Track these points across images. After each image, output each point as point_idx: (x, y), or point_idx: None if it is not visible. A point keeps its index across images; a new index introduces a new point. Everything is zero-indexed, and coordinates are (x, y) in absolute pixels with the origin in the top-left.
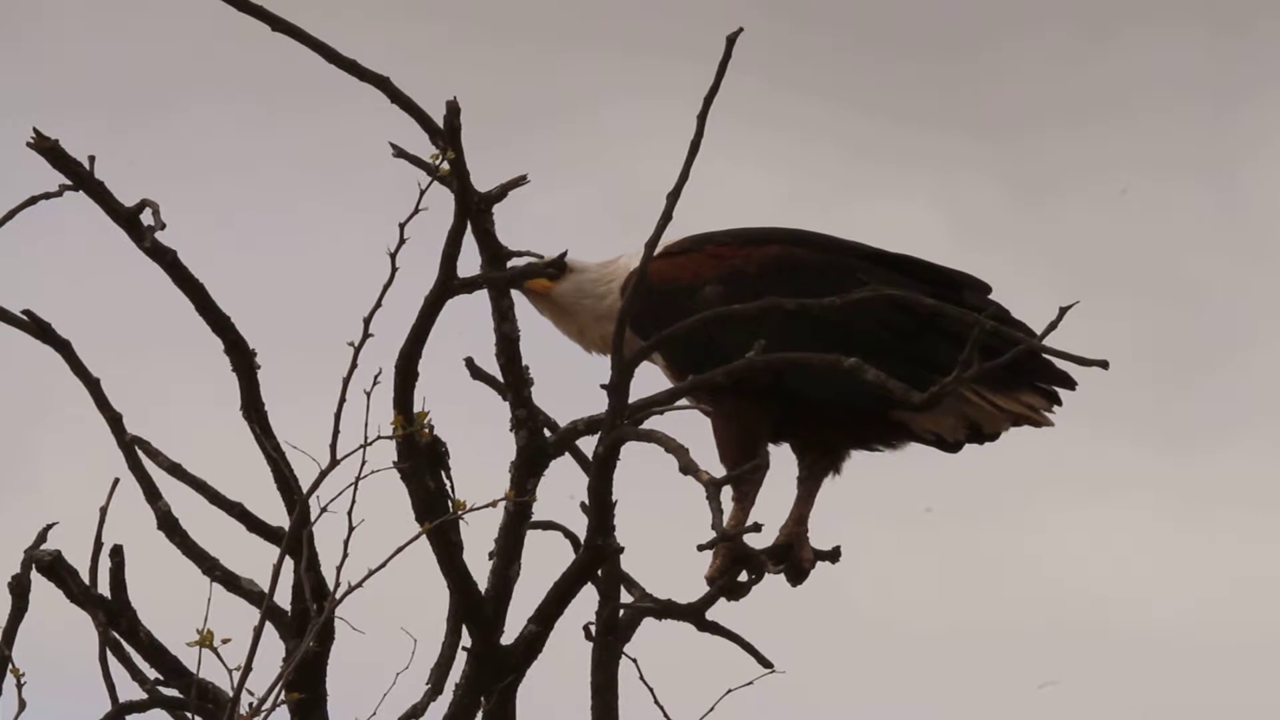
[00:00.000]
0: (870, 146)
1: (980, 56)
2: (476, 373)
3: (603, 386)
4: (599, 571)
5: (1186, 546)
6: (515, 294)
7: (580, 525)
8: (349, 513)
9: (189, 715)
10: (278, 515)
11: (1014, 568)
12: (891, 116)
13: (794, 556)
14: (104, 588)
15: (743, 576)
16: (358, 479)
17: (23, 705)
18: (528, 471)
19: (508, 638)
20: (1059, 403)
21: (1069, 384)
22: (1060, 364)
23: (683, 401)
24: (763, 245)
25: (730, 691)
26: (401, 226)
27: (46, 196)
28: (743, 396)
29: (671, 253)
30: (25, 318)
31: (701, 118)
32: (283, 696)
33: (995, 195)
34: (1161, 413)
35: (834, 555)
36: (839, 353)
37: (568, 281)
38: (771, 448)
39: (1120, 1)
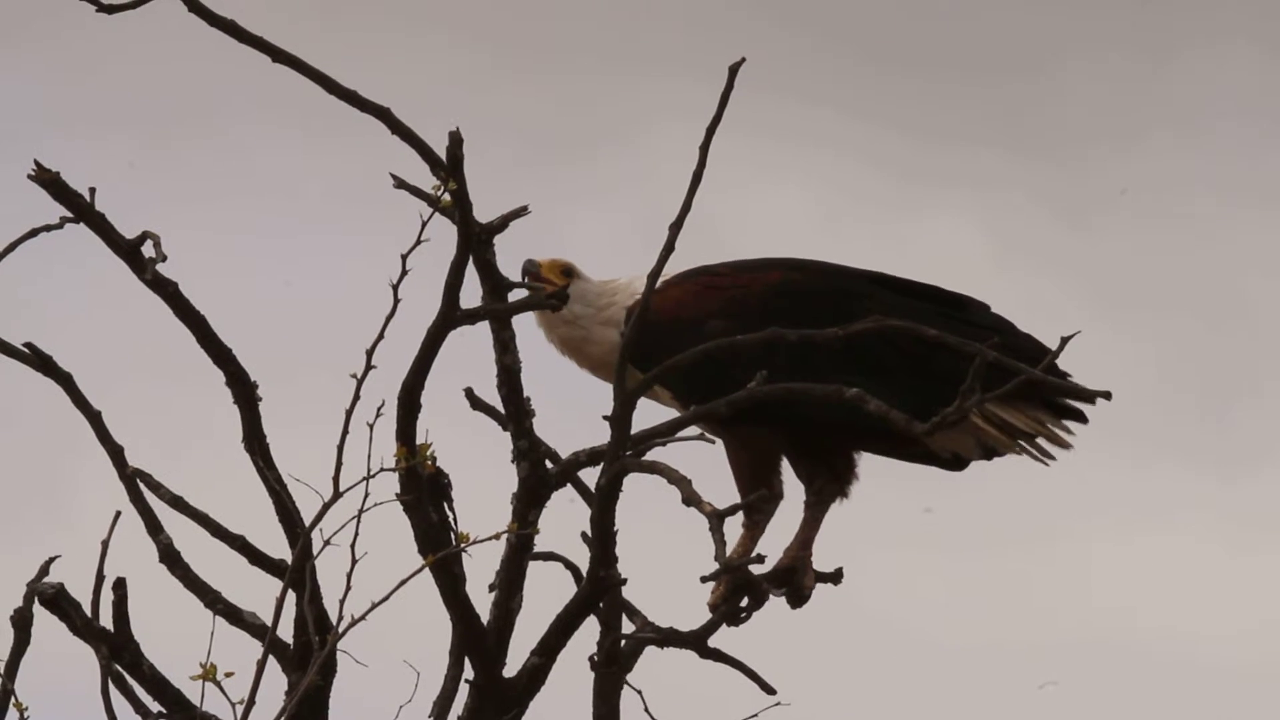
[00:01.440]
0: (915, 168)
1: (1040, 79)
2: (476, 403)
3: (605, 418)
4: (601, 603)
5: (1234, 571)
6: (520, 318)
7: (582, 556)
8: (352, 545)
9: None
10: (280, 548)
11: (1050, 593)
12: (938, 138)
13: (796, 581)
14: (107, 621)
15: (744, 602)
16: (361, 511)
17: None
18: (529, 503)
19: (510, 670)
20: (1083, 419)
21: (1080, 410)
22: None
23: (686, 432)
24: (763, 273)
25: None
26: (404, 258)
27: (47, 228)
28: (753, 423)
29: (672, 284)
30: (27, 350)
31: (704, 148)
32: None
33: (1041, 217)
34: (1208, 435)
35: (836, 578)
36: (844, 374)
37: (571, 288)
38: (787, 477)
39: (1182, 23)
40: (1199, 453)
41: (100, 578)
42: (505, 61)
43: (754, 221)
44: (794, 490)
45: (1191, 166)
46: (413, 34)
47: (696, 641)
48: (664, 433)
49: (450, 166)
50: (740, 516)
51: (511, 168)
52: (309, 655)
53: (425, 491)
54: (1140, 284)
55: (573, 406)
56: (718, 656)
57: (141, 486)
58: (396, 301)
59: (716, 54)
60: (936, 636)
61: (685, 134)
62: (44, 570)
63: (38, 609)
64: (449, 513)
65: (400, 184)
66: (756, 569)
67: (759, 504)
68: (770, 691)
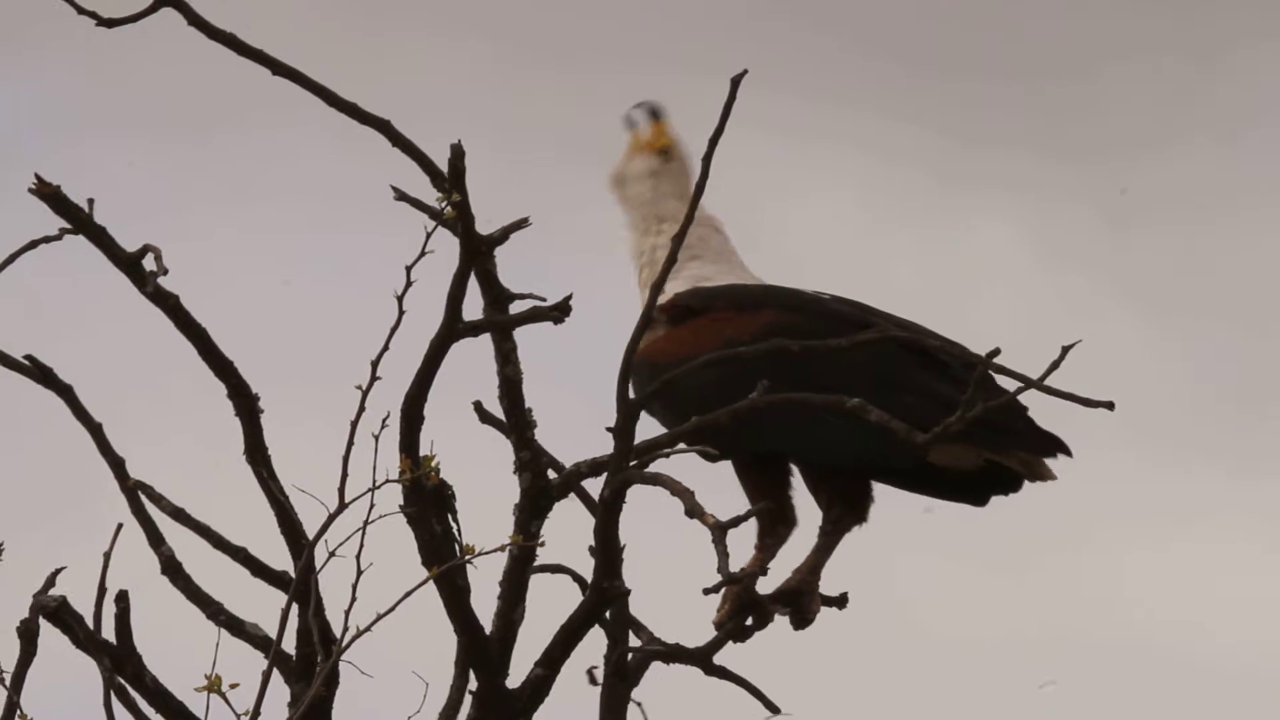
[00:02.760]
0: (957, 172)
1: (1083, 83)
2: (485, 417)
3: (608, 429)
4: (606, 614)
5: (1272, 574)
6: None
7: (587, 567)
8: (356, 557)
9: None
10: (283, 560)
11: (1083, 598)
12: (981, 142)
13: (800, 604)
14: (109, 633)
15: (749, 622)
16: (365, 523)
17: None
18: (532, 514)
19: (514, 681)
20: (1067, 453)
21: (1058, 450)
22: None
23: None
24: (757, 313)
25: None
26: (408, 269)
27: (47, 240)
28: (755, 460)
29: (675, 314)
30: (27, 362)
31: (706, 159)
32: None
33: (1083, 220)
34: (1246, 439)
35: (841, 602)
36: (847, 390)
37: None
38: (801, 506)
39: (1227, 27)
40: (1237, 456)
41: (102, 590)
42: (535, 62)
43: (797, 225)
44: (808, 518)
45: (1234, 170)
46: (442, 35)
47: (702, 658)
48: (667, 444)
49: (452, 179)
50: (747, 532)
51: (541, 170)
52: (313, 667)
53: (429, 503)
54: (1180, 288)
55: (575, 418)
56: (723, 674)
57: (143, 498)
58: (401, 313)
59: (756, 58)
60: (961, 647)
61: (735, 140)
62: (50, 582)
63: (41, 621)
64: (453, 524)
65: (401, 196)
66: (763, 589)
67: (771, 528)
68: (775, 710)
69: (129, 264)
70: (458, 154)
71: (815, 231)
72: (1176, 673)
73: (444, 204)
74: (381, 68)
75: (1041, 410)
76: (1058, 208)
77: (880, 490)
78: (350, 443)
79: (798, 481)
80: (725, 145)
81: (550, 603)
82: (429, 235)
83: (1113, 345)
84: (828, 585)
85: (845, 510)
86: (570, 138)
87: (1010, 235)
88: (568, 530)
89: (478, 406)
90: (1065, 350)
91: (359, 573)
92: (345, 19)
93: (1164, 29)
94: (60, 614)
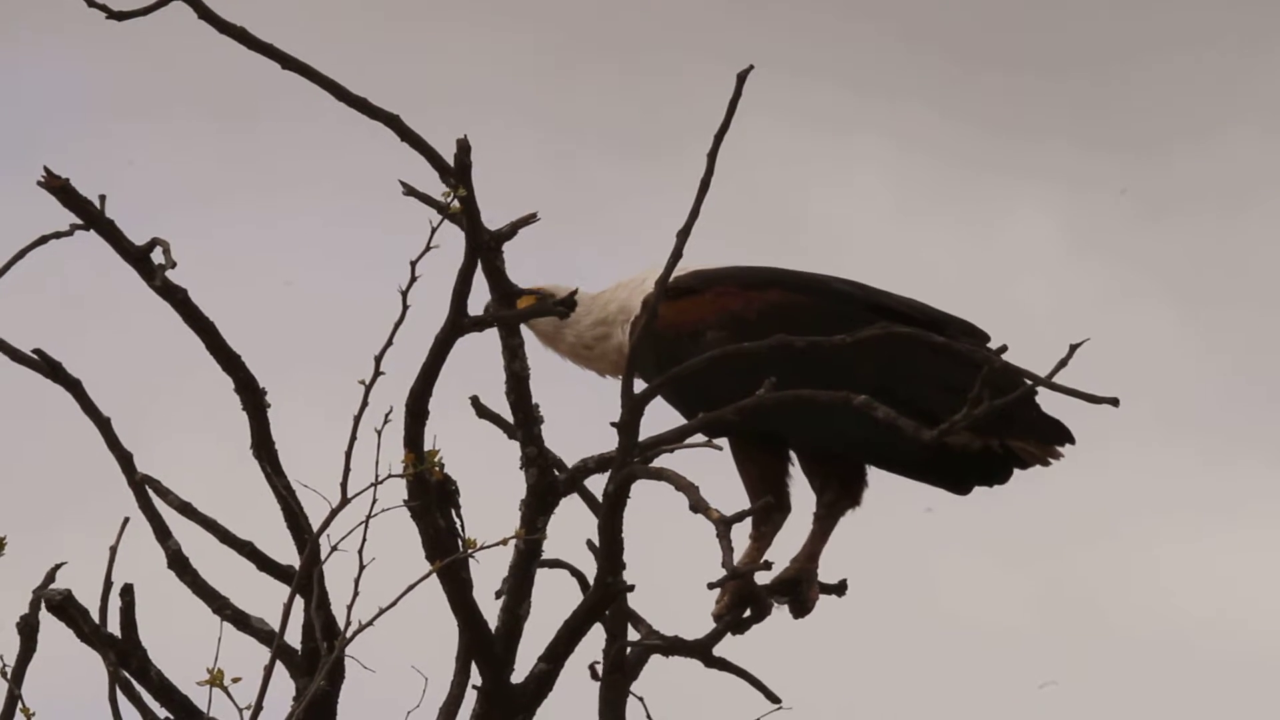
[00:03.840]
0: (994, 161)
1: (1121, 73)
2: (482, 411)
3: (613, 424)
4: (607, 610)
5: None
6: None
7: (588, 562)
8: (360, 551)
9: None
10: (288, 554)
11: (1119, 590)
12: (1018, 132)
13: (799, 592)
14: (114, 627)
15: (747, 614)
16: (368, 517)
17: None
18: (538, 510)
19: (518, 676)
20: (1070, 441)
21: (1065, 439)
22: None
23: (693, 439)
24: (764, 291)
25: None
26: (413, 264)
27: (57, 235)
28: (759, 441)
29: (677, 291)
30: (36, 357)
31: (712, 155)
32: None
33: (1121, 210)
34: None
35: (840, 589)
36: (851, 385)
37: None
38: (795, 491)
39: (1268, 18)
40: (1273, 445)
41: (108, 584)
42: (591, 58)
43: (836, 213)
44: (802, 503)
45: (1273, 160)
46: (494, 29)
47: (702, 650)
48: (672, 439)
49: (459, 174)
50: (749, 525)
51: (598, 165)
52: (316, 661)
53: (433, 498)
54: (1217, 277)
55: (581, 413)
56: (723, 665)
57: (150, 492)
58: (406, 308)
59: (801, 49)
60: (984, 637)
61: (774, 130)
62: (51, 576)
63: (45, 615)
64: (456, 519)
65: (409, 191)
66: (762, 579)
67: (766, 515)
68: (775, 700)
69: (137, 258)
70: (464, 149)
71: (853, 219)
72: (1207, 663)
73: (451, 199)
74: (426, 60)
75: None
76: (1094, 197)
77: (888, 483)
78: (354, 437)
79: (795, 468)
80: (768, 135)
81: (551, 598)
82: (434, 230)
83: (1148, 335)
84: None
85: (839, 494)
86: (614, 129)
87: (1046, 224)
88: (566, 526)
89: (475, 401)
90: (1073, 349)
91: (362, 567)
92: (390, 10)
93: (1205, 20)
94: (65, 608)
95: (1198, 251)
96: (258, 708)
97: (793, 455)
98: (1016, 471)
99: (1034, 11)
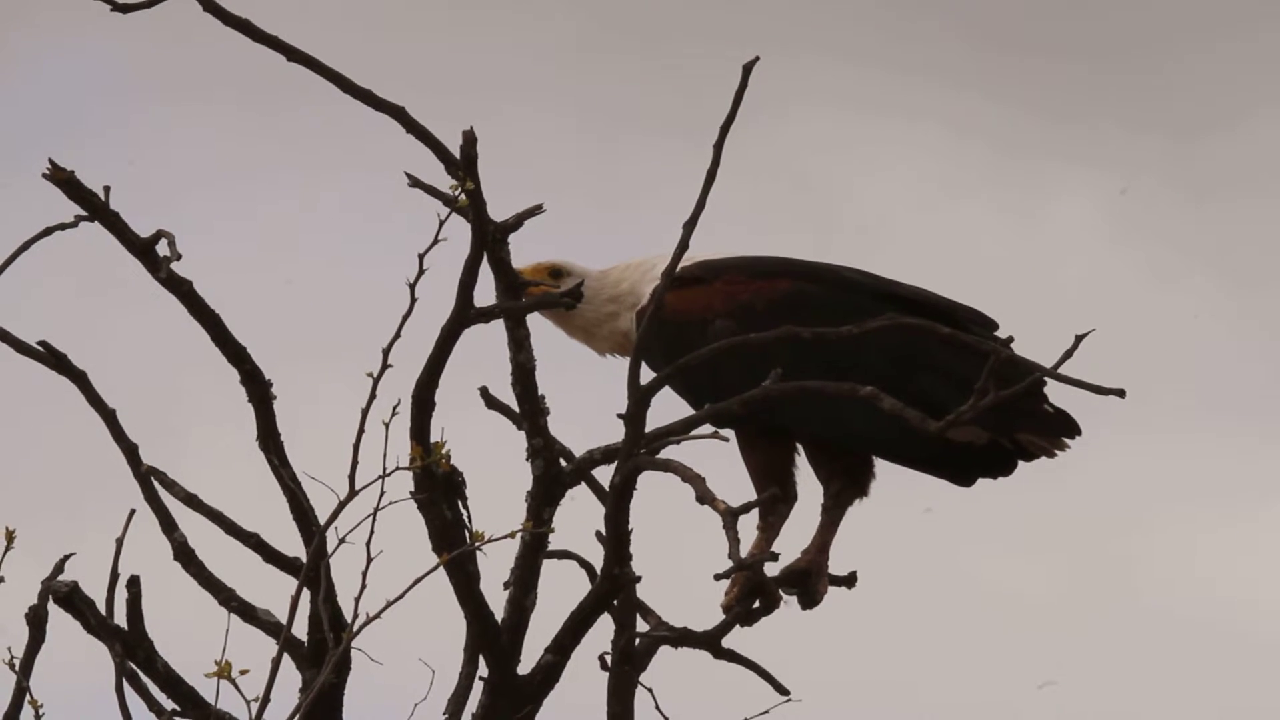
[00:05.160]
0: (1039, 145)
1: (1180, 58)
2: (491, 402)
3: (619, 416)
4: (615, 601)
5: None
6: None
7: (596, 554)
8: (367, 543)
9: None
10: (295, 546)
11: (1159, 576)
12: (1063, 117)
13: (809, 584)
14: (121, 619)
15: (756, 605)
16: (376, 509)
17: None
18: (544, 501)
19: (525, 667)
20: (1076, 433)
21: (1071, 431)
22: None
23: (700, 430)
24: (773, 280)
25: None
26: (420, 257)
27: (62, 227)
28: (764, 432)
29: (684, 280)
30: (41, 349)
31: (718, 147)
32: None
33: (1165, 193)
34: None
35: (850, 581)
36: (858, 376)
37: (566, 283)
38: (801, 479)
39: None
40: None
41: (115, 576)
42: (642, 43)
43: (882, 197)
44: (809, 493)
45: None
46: (527, 13)
47: (710, 642)
48: (678, 431)
49: (465, 166)
50: (755, 516)
51: (651, 150)
52: (324, 653)
53: (440, 490)
54: (1263, 261)
55: (587, 404)
56: (732, 657)
57: (156, 484)
58: (413, 301)
59: (849, 35)
60: (1012, 629)
61: (822, 115)
62: (58, 568)
63: (52, 607)
64: (463, 511)
65: (415, 183)
66: (770, 571)
67: (772, 506)
68: (784, 692)
69: (142, 250)
70: (469, 141)
71: (901, 204)
72: (1249, 646)
73: (457, 191)
74: (467, 47)
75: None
76: (1140, 181)
77: (903, 473)
78: (361, 429)
79: (800, 457)
80: (815, 120)
81: (558, 589)
82: (442, 223)
83: (1192, 317)
84: (887, 567)
85: (846, 484)
86: (654, 115)
87: (1092, 208)
88: (573, 517)
89: (484, 392)
90: (1079, 339)
91: (369, 559)
92: (431, 4)
93: (1250, 5)
94: (72, 599)
95: (1242, 234)
96: (265, 700)
97: (799, 445)
98: (1043, 459)
99: (1080, 1)
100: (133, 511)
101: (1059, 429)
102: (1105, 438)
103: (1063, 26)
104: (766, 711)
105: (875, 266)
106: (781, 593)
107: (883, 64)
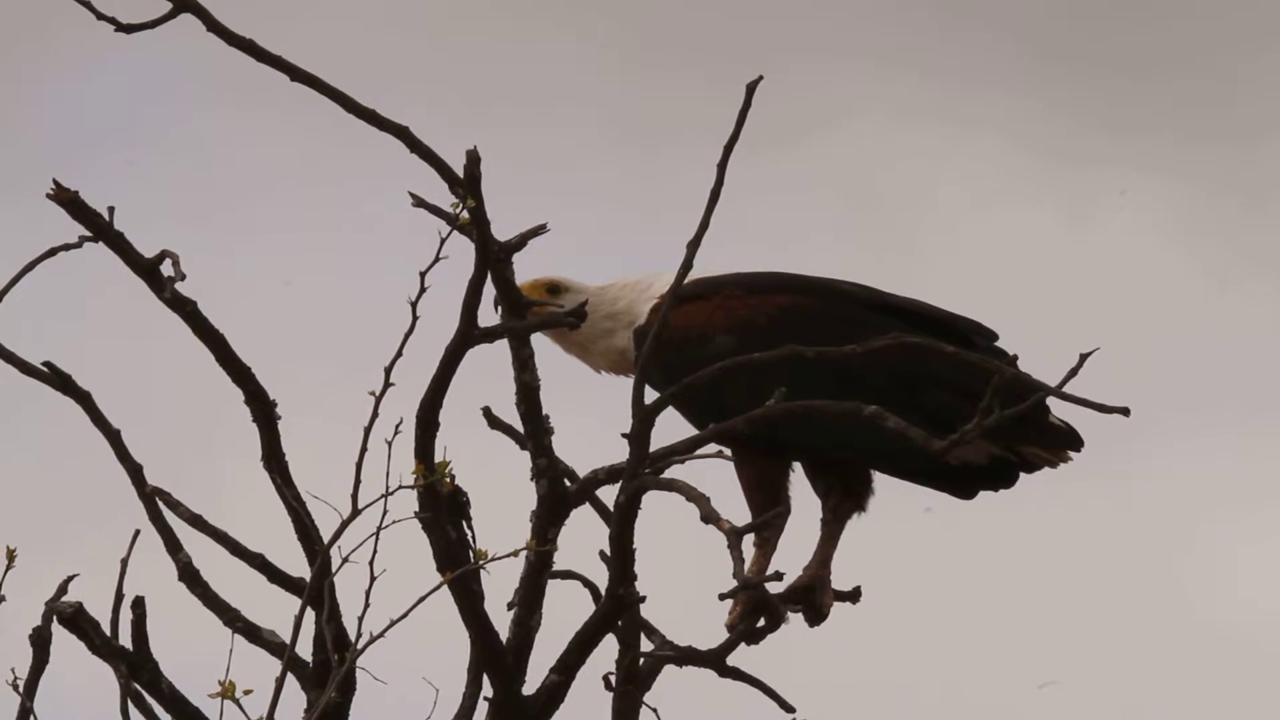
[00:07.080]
0: (1092, 155)
1: (1235, 67)
2: (494, 422)
3: (624, 435)
4: (620, 620)
5: None
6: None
7: (600, 574)
8: (370, 563)
9: None
10: (299, 566)
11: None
12: (1114, 128)
13: (814, 599)
14: (125, 639)
15: (761, 623)
16: (379, 529)
17: None
18: (548, 520)
19: (529, 687)
20: (1080, 446)
21: (1074, 444)
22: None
23: (704, 450)
24: (771, 295)
25: None
26: (422, 275)
27: (66, 248)
28: (768, 451)
29: (683, 297)
30: (46, 369)
31: (721, 166)
32: None
33: (1217, 202)
34: None
35: (854, 596)
36: (861, 396)
37: (564, 299)
38: (795, 492)
39: None
40: None
41: (119, 596)
42: (703, 56)
43: (942, 207)
44: (807, 507)
45: None
46: (570, 27)
47: (715, 660)
48: (683, 450)
49: (468, 185)
50: (752, 536)
51: (708, 162)
52: (328, 673)
53: (444, 509)
54: None
55: (591, 424)
56: (737, 675)
57: (160, 505)
58: (415, 319)
59: (907, 46)
60: (1025, 646)
61: (885, 126)
62: (62, 589)
63: (57, 627)
64: (467, 530)
65: (419, 202)
66: (774, 588)
67: (771, 521)
68: (790, 710)
69: (147, 270)
70: (473, 160)
71: (955, 212)
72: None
73: (460, 210)
74: (511, 61)
75: (1154, 384)
76: (1196, 189)
77: (897, 485)
78: (364, 449)
79: (794, 471)
80: (873, 130)
81: (563, 609)
82: (444, 241)
83: (1248, 326)
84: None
85: (844, 498)
86: (697, 129)
87: (1145, 217)
88: (577, 537)
89: (486, 412)
90: (1083, 358)
91: (373, 579)
92: (471, 10)
93: None
94: (77, 620)
95: None
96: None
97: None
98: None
99: (1136, 10)
100: (137, 532)
101: (1063, 441)
102: (1161, 445)
103: (1117, 35)
104: None
105: (930, 275)
106: (787, 609)
107: (938, 74)
